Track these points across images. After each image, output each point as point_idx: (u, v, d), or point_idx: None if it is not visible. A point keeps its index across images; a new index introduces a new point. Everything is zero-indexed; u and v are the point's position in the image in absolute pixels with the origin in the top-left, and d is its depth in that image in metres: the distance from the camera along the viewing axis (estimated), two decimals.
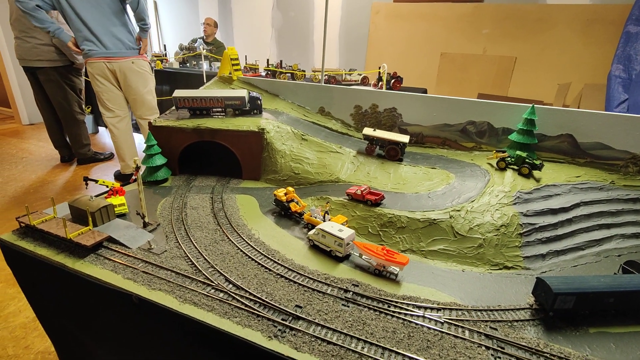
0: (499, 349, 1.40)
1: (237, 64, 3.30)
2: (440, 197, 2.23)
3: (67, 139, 7.31)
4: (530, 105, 2.44)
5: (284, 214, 2.31)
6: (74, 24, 4.51)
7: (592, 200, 2.30)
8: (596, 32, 8.93)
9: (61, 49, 6.19)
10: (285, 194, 2.29)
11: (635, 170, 2.41)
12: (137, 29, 5.03)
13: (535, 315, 1.58)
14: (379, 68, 5.65)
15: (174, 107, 2.83)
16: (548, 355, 1.38)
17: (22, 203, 5.60)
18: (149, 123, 2.63)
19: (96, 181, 2.24)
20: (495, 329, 1.50)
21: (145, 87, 5.16)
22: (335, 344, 1.37)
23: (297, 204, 2.28)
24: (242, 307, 1.52)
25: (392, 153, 2.65)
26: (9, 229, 1.91)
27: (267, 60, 8.11)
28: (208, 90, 2.93)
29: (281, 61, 8.51)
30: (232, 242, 1.97)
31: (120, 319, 1.78)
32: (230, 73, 3.33)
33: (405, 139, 2.62)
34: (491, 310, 1.60)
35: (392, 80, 5.80)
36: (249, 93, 2.82)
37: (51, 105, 6.85)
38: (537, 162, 2.31)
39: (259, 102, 2.86)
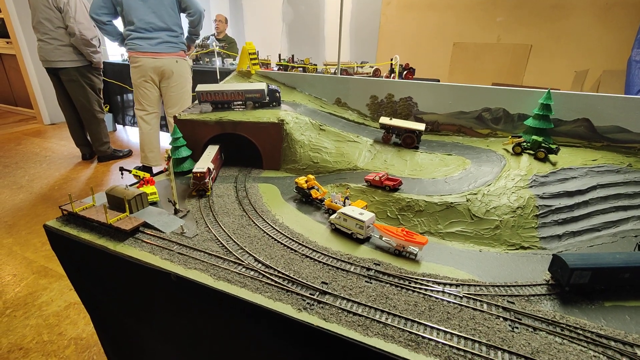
0: (517, 320, 1.47)
1: (255, 59, 3.40)
2: (457, 182, 2.30)
3: (88, 138, 7.59)
4: (547, 89, 2.47)
5: (305, 200, 2.42)
6: (127, 18, 4.66)
7: (608, 182, 2.33)
8: (615, 16, 8.69)
9: (79, 49, 6.42)
10: (306, 182, 2.39)
11: None
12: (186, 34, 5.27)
13: (552, 291, 1.65)
14: (391, 60, 5.67)
15: (197, 102, 2.95)
16: (564, 325, 1.45)
17: (48, 199, 5.88)
18: (174, 117, 2.76)
19: (130, 171, 2.38)
20: (513, 303, 1.57)
21: (183, 87, 5.34)
22: (360, 315, 1.47)
23: (318, 190, 2.38)
24: (272, 283, 1.63)
25: (409, 141, 2.71)
26: (38, 223, 2.08)
27: (279, 55, 8.20)
28: (229, 84, 3.04)
29: (293, 55, 8.59)
30: (258, 226, 2.09)
31: (160, 297, 1.92)
32: (248, 67, 3.43)
33: (421, 126, 2.68)
34: (508, 286, 1.67)
35: (405, 72, 5.82)
36: (268, 86, 2.92)
37: (73, 105, 7.12)
38: (553, 147, 2.34)
39: (277, 94, 2.95)
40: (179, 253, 1.83)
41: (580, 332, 1.42)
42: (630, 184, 2.35)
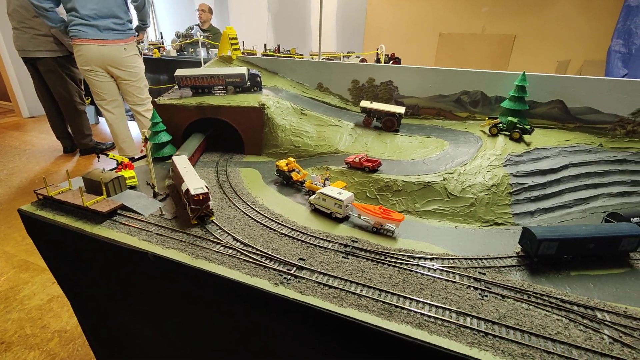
0: (486, 289, 1.53)
1: (236, 44, 3.36)
2: (435, 162, 2.34)
3: (69, 130, 7.42)
4: (522, 72, 2.52)
5: (286, 183, 2.43)
6: (70, 4, 4.43)
7: (580, 162, 2.40)
8: (596, 7, 8.85)
9: (60, 40, 6.23)
10: (287, 164, 2.40)
11: (623, 132, 2.51)
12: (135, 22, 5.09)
13: (522, 262, 1.71)
14: (377, 49, 5.69)
15: (176, 86, 2.91)
16: (531, 293, 1.51)
17: (27, 194, 5.75)
18: (153, 101, 2.73)
19: (107, 155, 2.35)
20: (484, 274, 1.62)
21: (137, 75, 5.17)
22: (336, 288, 1.50)
23: (298, 173, 2.40)
24: (250, 260, 1.65)
25: (389, 124, 2.74)
26: (18, 218, 2.03)
27: (265, 45, 8.11)
28: (209, 69, 3.01)
29: (279, 46, 8.51)
30: (238, 208, 2.10)
31: (139, 279, 1.92)
32: (229, 52, 3.40)
33: (401, 110, 2.71)
34: (480, 259, 1.73)
35: (391, 62, 5.85)
36: (249, 71, 2.90)
37: (52, 97, 6.93)
38: (528, 127, 2.40)
39: (258, 79, 2.94)
40: (157, 234, 1.82)
41: (546, 298, 1.49)
42: (600, 163, 2.43)
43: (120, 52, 4.76)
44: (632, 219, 1.83)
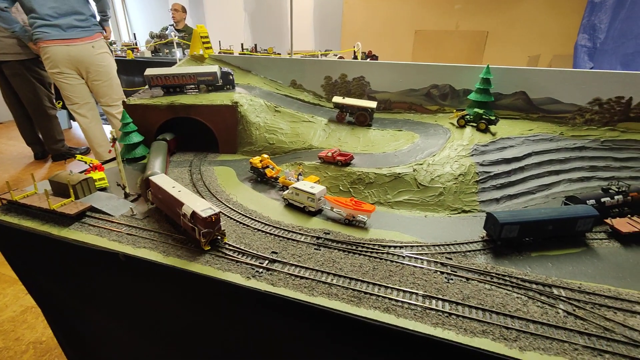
0: (452, 272, 1.59)
1: (208, 42, 3.34)
2: (405, 155, 2.40)
3: (40, 136, 7.16)
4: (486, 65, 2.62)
5: (261, 180, 2.44)
6: (27, 5, 4.21)
7: (542, 150, 2.51)
8: (563, 3, 9.20)
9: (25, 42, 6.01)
10: (261, 161, 2.41)
11: (582, 121, 2.64)
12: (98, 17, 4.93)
13: (486, 246, 1.78)
14: (354, 47, 5.75)
15: (147, 86, 2.87)
16: (493, 274, 1.58)
17: None
18: (123, 102, 2.68)
19: (74, 156, 2.30)
20: (450, 258, 1.69)
21: (108, 74, 5.02)
22: (307, 278, 1.53)
23: (272, 169, 2.41)
24: (222, 255, 1.66)
25: (362, 119, 2.79)
26: None
27: (242, 45, 8.05)
28: (180, 68, 2.98)
29: (255, 45, 8.46)
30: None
31: (111, 281, 1.89)
32: (201, 51, 3.37)
33: (372, 104, 2.76)
34: (447, 245, 1.79)
35: (368, 59, 5.92)
36: (221, 69, 2.89)
37: (20, 101, 6.66)
38: (493, 118, 2.50)
39: (231, 77, 2.93)
40: (127, 234, 1.80)
41: (507, 278, 1.56)
42: (561, 150, 2.55)
43: (89, 50, 4.59)
44: (587, 201, 1.94)
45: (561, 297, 1.46)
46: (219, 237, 1.68)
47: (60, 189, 2.03)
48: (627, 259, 1.73)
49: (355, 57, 5.77)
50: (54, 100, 6.94)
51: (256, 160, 2.42)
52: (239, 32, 11.38)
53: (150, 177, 1.92)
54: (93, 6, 4.78)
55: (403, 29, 11.13)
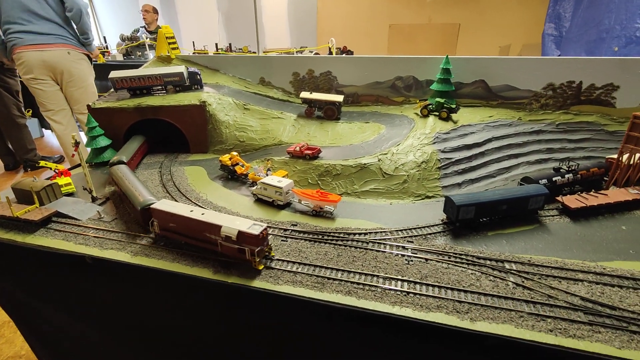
0: (412, 255, 1.67)
1: (174, 42, 3.32)
2: (371, 145, 2.47)
3: (9, 146, 6.92)
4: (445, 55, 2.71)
5: (231, 177, 2.47)
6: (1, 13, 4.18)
7: (502, 135, 2.63)
8: None
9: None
10: (230, 159, 2.44)
11: (538, 106, 2.77)
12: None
13: (446, 228, 1.87)
14: (329, 43, 5.79)
15: (112, 90, 2.85)
16: (451, 254, 1.66)
17: None
18: (88, 106, 2.65)
19: (37, 163, 2.27)
20: (411, 242, 1.77)
21: (84, 81, 4.93)
22: (273, 269, 1.58)
23: (242, 166, 2.44)
24: (190, 253, 1.68)
25: (330, 113, 2.85)
26: None
27: (216, 44, 7.98)
28: (146, 69, 2.96)
29: (230, 44, 8.39)
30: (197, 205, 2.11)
31: (81, 285, 1.89)
32: (168, 52, 3.35)
33: (339, 98, 2.82)
34: (409, 229, 1.87)
35: (343, 55, 5.97)
36: (188, 69, 2.89)
37: None
38: (454, 106, 2.59)
39: (198, 77, 2.94)
40: (94, 237, 1.81)
41: (464, 257, 1.65)
42: (520, 134, 2.67)
43: (64, 56, 4.46)
44: (540, 181, 2.05)
45: (512, 271, 1.55)
46: (267, 252, 1.59)
47: (24, 196, 2.01)
48: (575, 232, 1.85)
49: (330, 53, 5.82)
50: (23, 109, 6.73)
51: (225, 158, 2.44)
52: (213, 32, 11.25)
53: (153, 206, 1.67)
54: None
55: (378, 23, 11.25)
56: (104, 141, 2.60)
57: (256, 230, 1.49)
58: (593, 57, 2.57)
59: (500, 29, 10.42)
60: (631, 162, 2.11)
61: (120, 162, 2.23)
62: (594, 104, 2.62)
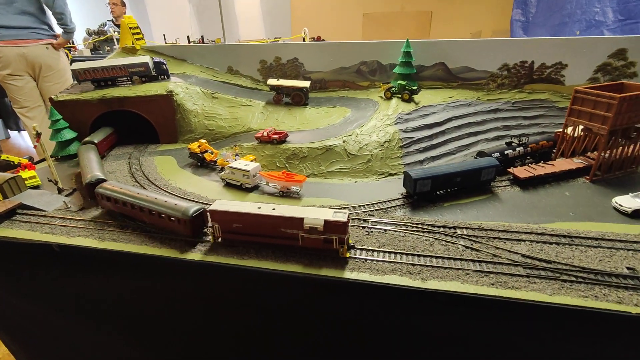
0: (372, 226, 1.76)
1: (138, 33, 3.28)
2: (337, 128, 2.55)
3: None
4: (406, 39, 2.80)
5: (201, 164, 2.50)
6: None
7: (462, 114, 2.75)
8: None
9: None
10: (199, 146, 2.47)
11: (494, 86, 2.91)
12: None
13: (405, 202, 1.98)
14: (302, 33, 5.80)
15: (75, 82, 2.81)
16: (408, 224, 1.77)
17: None
18: (50, 99, 2.61)
19: None
20: (372, 215, 1.86)
21: (62, 76, 4.75)
22: (238, 246, 1.64)
23: (211, 153, 2.48)
24: (156, 235, 1.73)
25: (297, 99, 2.90)
26: None
27: (188, 37, 7.83)
28: (110, 60, 2.93)
29: (202, 37, 8.25)
30: (179, 197, 2.13)
31: (51, 275, 1.90)
32: (132, 43, 3.31)
33: (306, 84, 2.87)
34: (371, 204, 1.97)
35: None
36: (153, 59, 2.87)
37: None
38: (415, 88, 2.70)
39: (164, 67, 2.93)
40: (61, 226, 1.82)
41: (419, 226, 1.76)
42: (478, 113, 2.81)
43: (42, 51, 4.27)
44: (493, 154, 2.18)
45: (462, 236, 1.68)
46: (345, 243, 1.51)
47: None
48: (524, 199, 1.99)
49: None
50: None
51: (194, 145, 2.47)
52: (185, 24, 11.00)
53: (211, 208, 1.59)
54: (51, 17, 4.45)
55: (351, 12, 11.28)
56: (69, 134, 2.58)
57: (343, 217, 1.45)
58: (542, 37, 2.71)
59: (470, 15, 10.66)
60: (575, 134, 2.26)
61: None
62: (545, 82, 2.78)
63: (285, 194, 2.09)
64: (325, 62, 3.05)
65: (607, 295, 1.34)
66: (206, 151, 2.48)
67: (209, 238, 1.68)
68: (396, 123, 2.48)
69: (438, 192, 2.00)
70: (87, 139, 2.24)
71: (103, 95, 2.68)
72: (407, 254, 1.57)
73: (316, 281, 1.49)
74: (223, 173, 2.23)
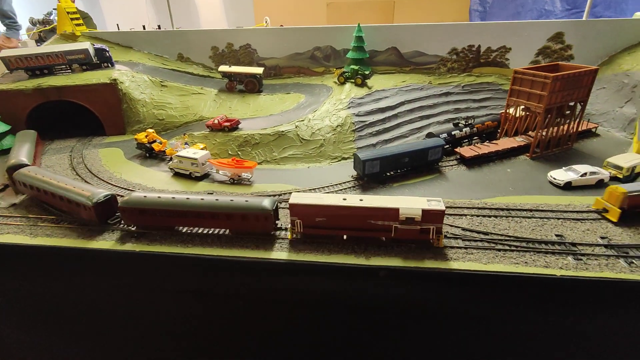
0: None
1: (77, 18, 3.07)
2: (290, 113, 2.54)
3: None
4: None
5: (149, 155, 2.40)
6: None
7: (414, 98, 2.82)
8: None
9: None
10: (146, 136, 2.37)
11: (445, 70, 2.98)
12: None
13: (356, 184, 2.01)
14: (264, 22, 5.66)
15: (7, 71, 2.59)
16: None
17: None
18: None
19: None
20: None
21: None
22: (183, 234, 1.60)
23: (160, 143, 2.38)
24: (95, 229, 1.64)
25: (251, 86, 2.84)
26: None
27: (144, 26, 7.45)
28: (45, 47, 2.72)
29: (159, 26, 7.88)
30: (90, 184, 2.03)
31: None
32: (72, 30, 3.09)
33: (259, 70, 2.82)
34: (322, 187, 1.98)
35: None
36: (94, 45, 2.70)
37: None
38: (367, 73, 2.72)
39: (107, 54, 2.76)
40: None
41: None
42: (430, 97, 2.88)
43: None
44: (440, 135, 2.24)
45: None
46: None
47: None
48: (469, 177, 2.07)
49: None
50: None
51: (141, 136, 2.37)
52: (141, 13, 10.44)
53: (291, 202, 1.58)
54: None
55: (315, 1, 11.19)
56: (1, 127, 2.38)
57: (440, 205, 1.41)
58: (487, 21, 2.80)
59: (432, 5, 10.90)
60: (517, 114, 2.37)
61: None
62: (491, 65, 2.89)
63: (237, 181, 2.06)
64: (279, 48, 3.00)
65: (535, 261, 1.42)
66: (154, 141, 2.38)
67: (284, 234, 1.57)
68: (349, 107, 2.50)
69: (388, 173, 2.03)
70: (13, 161, 2.01)
71: (38, 85, 2.49)
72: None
73: (418, 274, 1.40)
74: (171, 162, 2.15)
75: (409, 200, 1.47)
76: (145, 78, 2.78)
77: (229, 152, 2.33)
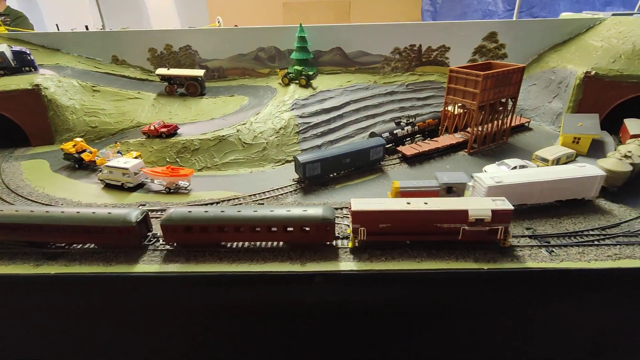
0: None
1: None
2: (232, 117, 2.46)
3: None
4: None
5: (79, 166, 2.23)
6: None
7: (359, 98, 2.84)
8: None
9: None
10: (74, 146, 2.19)
11: (389, 69, 3.03)
12: None
13: (297, 187, 1.97)
14: (216, 22, 5.47)
15: None
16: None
17: None
18: None
19: None
20: (262, 204, 1.82)
21: None
22: (99, 254, 1.48)
23: (90, 152, 2.22)
24: (10, 249, 1.49)
25: (192, 89, 2.73)
26: None
27: (86, 27, 6.98)
28: None
29: (103, 25, 7.42)
30: (6, 202, 1.84)
31: None
32: None
33: (200, 72, 2.71)
34: (262, 192, 1.93)
35: None
36: (11, 48, 2.47)
37: None
38: (311, 73, 2.70)
39: (28, 57, 2.53)
40: None
41: None
42: (376, 96, 2.92)
43: None
44: (382, 134, 2.27)
45: (347, 215, 1.71)
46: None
47: None
48: (410, 175, 2.11)
49: None
50: None
51: (68, 145, 2.19)
52: (84, 12, 9.78)
53: (353, 209, 1.46)
54: None
55: (271, 1, 11.09)
56: None
57: (507, 204, 1.36)
58: (426, 22, 2.87)
59: (386, 6, 11.17)
60: (455, 111, 2.44)
61: None
62: (433, 64, 2.97)
63: (173, 190, 1.95)
64: (221, 49, 2.91)
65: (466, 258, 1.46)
66: (84, 151, 2.22)
67: (344, 242, 1.47)
68: (292, 109, 2.46)
69: (330, 175, 2.02)
70: None
71: None
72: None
73: (492, 275, 1.36)
74: (101, 173, 2.01)
75: (474, 201, 1.44)
76: (75, 83, 2.59)
77: (167, 160, 2.21)
